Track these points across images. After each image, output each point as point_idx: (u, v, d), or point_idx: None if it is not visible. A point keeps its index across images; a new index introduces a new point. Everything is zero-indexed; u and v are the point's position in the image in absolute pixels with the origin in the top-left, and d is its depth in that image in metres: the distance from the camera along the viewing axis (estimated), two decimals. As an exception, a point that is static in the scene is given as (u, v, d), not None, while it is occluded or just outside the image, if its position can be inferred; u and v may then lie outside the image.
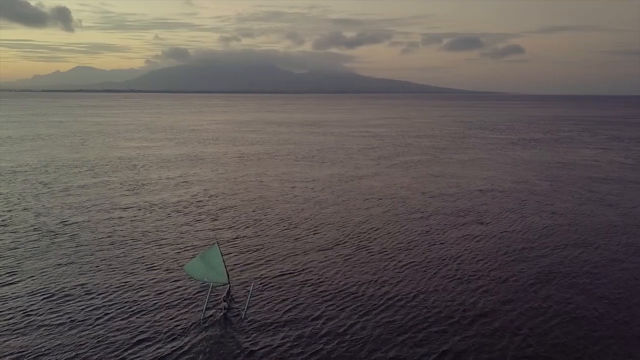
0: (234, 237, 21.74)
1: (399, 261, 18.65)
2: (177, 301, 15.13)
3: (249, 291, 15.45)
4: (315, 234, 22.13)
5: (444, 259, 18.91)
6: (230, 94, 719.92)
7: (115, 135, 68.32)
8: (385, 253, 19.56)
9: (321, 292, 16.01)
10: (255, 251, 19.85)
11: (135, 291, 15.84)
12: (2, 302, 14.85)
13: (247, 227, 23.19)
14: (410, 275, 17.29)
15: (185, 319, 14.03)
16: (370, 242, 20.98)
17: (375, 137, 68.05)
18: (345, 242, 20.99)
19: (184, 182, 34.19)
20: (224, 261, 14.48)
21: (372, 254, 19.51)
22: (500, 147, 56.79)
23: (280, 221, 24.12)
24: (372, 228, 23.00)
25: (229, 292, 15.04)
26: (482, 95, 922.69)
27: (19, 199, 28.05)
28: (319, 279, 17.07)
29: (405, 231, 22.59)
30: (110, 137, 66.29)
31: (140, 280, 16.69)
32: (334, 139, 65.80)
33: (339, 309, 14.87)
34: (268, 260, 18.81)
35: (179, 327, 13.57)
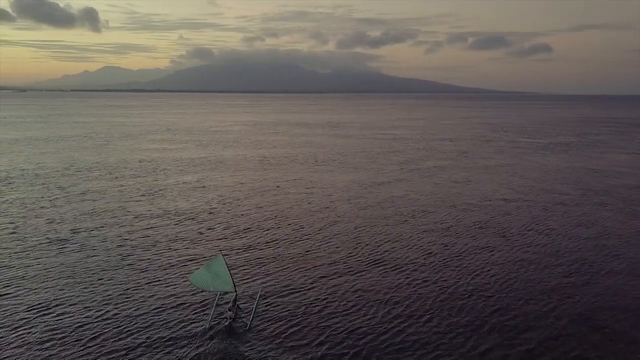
0: (245, 245, 21.19)
1: (414, 278, 17.69)
2: (182, 311, 14.84)
3: (255, 300, 15.20)
4: (328, 244, 21.33)
5: (462, 277, 17.88)
6: (254, 94, 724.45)
7: (138, 137, 68.71)
8: (401, 269, 18.62)
9: (330, 304, 15.40)
10: (265, 260, 19.33)
11: (140, 301, 15.55)
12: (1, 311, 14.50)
13: (259, 235, 22.54)
14: (425, 294, 16.33)
15: (190, 328, 13.79)
16: (385, 255, 20.06)
17: (398, 140, 66.86)
18: (358, 254, 20.13)
19: (200, 187, 33.78)
20: (229, 270, 14.28)
21: (386, 269, 18.59)
22: (527, 152, 54.98)
23: (294, 231, 23.39)
24: (388, 240, 22.07)
25: (235, 301, 14.80)
26: (508, 95, 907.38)
27: (34, 203, 28.00)
28: (328, 291, 16.44)
29: (423, 245, 21.60)
30: (132, 138, 66.69)
31: (146, 290, 16.35)
32: (356, 141, 64.86)
33: (348, 321, 14.36)
34: (277, 270, 18.24)
35: (183, 337, 13.32)
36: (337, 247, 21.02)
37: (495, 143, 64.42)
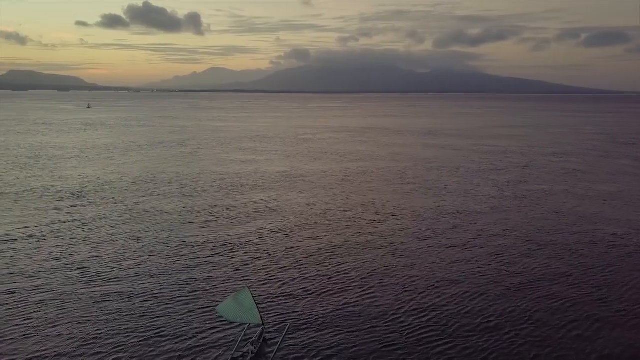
0: (285, 278, 19.51)
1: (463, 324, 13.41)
2: (207, 341, 14.87)
3: (282, 334, 14.74)
4: (383, 283, 17.46)
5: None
6: (350, 95, 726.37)
7: (228, 145, 68.62)
8: (439, 310, 14.48)
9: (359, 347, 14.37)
10: (309, 293, 18.28)
11: (165, 329, 15.68)
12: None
13: (303, 269, 19.17)
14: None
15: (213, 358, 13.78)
16: (429, 294, 15.85)
17: (497, 154, 60.27)
18: (414, 300, 16.08)
19: (265, 209, 31.31)
20: (256, 303, 14.16)
21: (430, 309, 14.43)
22: (659, 173, 46.40)
23: (351, 270, 19.73)
24: (459, 293, 17.67)
25: (261, 334, 14.56)
26: (630, 96, 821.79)
27: (92, 222, 26.97)
28: (364, 331, 15.44)
29: (481, 296, 16.97)
30: (221, 147, 66.63)
31: (172, 318, 16.42)
32: (452, 154, 59.39)
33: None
34: (314, 307, 17.25)
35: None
36: (398, 289, 17.10)
37: (615, 160, 55.70)
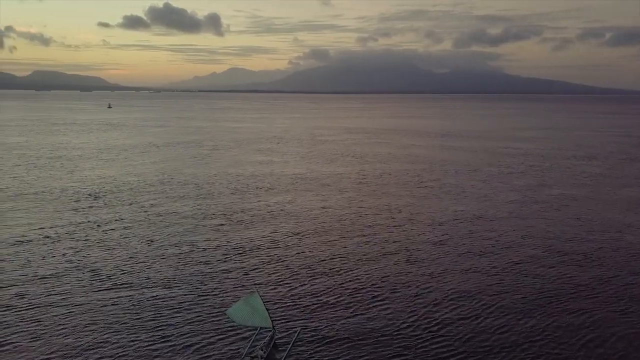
0: (295, 284, 18.66)
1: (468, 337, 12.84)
2: (216, 345, 14.90)
3: (291, 340, 14.46)
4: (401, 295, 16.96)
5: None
6: (369, 95, 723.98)
7: (245, 146, 68.65)
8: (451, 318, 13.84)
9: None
10: (320, 300, 17.89)
11: (174, 331, 15.72)
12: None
13: (315, 276, 18.77)
14: None
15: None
16: (445, 304, 15.27)
17: (521, 156, 59.05)
18: (434, 314, 15.55)
19: (279, 212, 31.00)
20: (266, 307, 13.79)
21: (446, 315, 13.89)
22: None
23: (364, 277, 19.28)
24: (455, 295, 17.07)
25: (271, 338, 13.97)
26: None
27: (107, 224, 26.99)
28: (374, 342, 15.12)
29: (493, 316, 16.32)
30: (239, 147, 66.68)
31: (181, 320, 16.47)
32: (471, 156, 58.42)
33: None
34: (326, 310, 17.20)
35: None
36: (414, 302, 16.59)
37: (642, 164, 54.17)
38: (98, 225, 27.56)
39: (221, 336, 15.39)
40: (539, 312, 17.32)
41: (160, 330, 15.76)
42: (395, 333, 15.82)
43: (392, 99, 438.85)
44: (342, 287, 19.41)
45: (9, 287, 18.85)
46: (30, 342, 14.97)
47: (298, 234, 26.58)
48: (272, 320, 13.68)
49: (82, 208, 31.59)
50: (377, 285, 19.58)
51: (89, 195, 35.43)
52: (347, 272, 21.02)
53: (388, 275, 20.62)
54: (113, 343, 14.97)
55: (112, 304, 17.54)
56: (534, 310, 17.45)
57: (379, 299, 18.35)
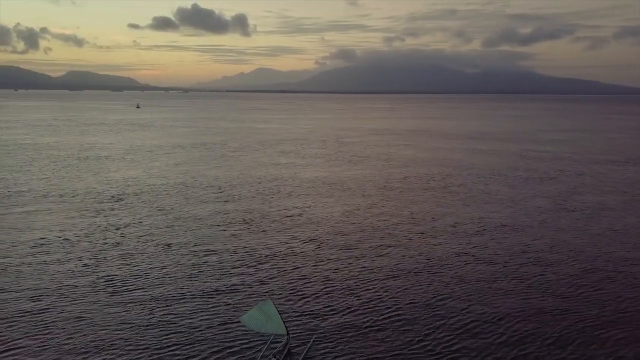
0: (318, 290, 18.18)
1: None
2: (231, 352, 14.70)
3: (306, 347, 14.46)
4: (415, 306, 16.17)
5: None
6: (396, 95, 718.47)
7: (269, 147, 68.46)
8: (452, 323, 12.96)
9: None
10: (336, 308, 17.57)
11: (188, 337, 15.69)
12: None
13: (333, 283, 18.12)
14: None
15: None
16: (452, 314, 14.38)
17: (552, 160, 57.13)
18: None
19: (300, 216, 30.58)
20: (279, 314, 14.04)
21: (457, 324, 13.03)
22: None
23: (382, 286, 18.54)
24: (467, 304, 16.12)
25: (286, 344, 14.31)
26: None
27: (126, 226, 26.92)
28: (391, 354, 14.39)
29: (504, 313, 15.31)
30: (263, 149, 66.54)
31: (195, 326, 16.34)
32: (500, 160, 56.77)
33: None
34: (342, 318, 16.83)
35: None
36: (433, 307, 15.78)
37: (682, 169, 51.62)
38: (117, 229, 27.56)
39: (235, 342, 15.16)
40: (561, 326, 16.31)
41: (174, 336, 15.54)
42: (412, 344, 15.10)
43: (420, 100, 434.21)
44: (357, 295, 18.75)
45: (25, 290, 18.87)
46: (43, 342, 14.89)
47: (317, 239, 26.04)
48: (286, 327, 13.74)
49: (104, 210, 31.73)
50: (394, 296, 18.87)
51: (112, 197, 35.63)
52: (364, 281, 20.35)
53: (407, 286, 19.87)
54: (126, 347, 14.83)
55: (125, 309, 17.35)
56: (557, 326, 16.43)
57: (395, 310, 17.63)
